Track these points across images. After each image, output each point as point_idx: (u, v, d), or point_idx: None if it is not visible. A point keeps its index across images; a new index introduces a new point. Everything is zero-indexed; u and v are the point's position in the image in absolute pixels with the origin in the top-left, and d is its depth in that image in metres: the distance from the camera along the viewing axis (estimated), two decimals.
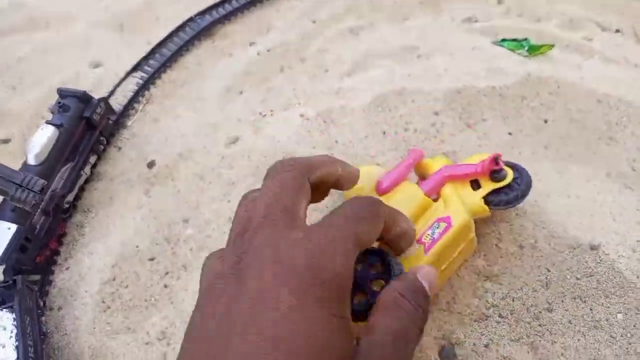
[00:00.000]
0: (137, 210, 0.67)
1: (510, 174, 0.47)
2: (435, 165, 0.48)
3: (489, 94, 0.68)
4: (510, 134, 0.66)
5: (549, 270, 0.54)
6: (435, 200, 0.45)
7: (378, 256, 0.34)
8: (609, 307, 0.52)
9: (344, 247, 0.28)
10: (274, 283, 0.25)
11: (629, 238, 0.56)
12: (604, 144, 0.67)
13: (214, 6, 0.93)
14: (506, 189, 0.45)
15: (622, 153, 0.66)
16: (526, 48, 0.76)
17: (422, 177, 0.50)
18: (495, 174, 0.45)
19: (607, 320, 0.51)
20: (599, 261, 0.53)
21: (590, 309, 0.52)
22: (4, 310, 0.53)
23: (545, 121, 0.68)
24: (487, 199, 0.44)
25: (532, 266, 0.54)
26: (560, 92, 0.69)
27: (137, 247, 0.62)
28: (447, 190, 0.41)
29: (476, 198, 0.41)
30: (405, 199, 0.42)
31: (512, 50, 0.78)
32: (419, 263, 0.38)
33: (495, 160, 0.45)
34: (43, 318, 0.59)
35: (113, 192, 0.71)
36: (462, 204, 0.40)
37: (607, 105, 0.69)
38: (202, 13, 0.92)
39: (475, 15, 0.90)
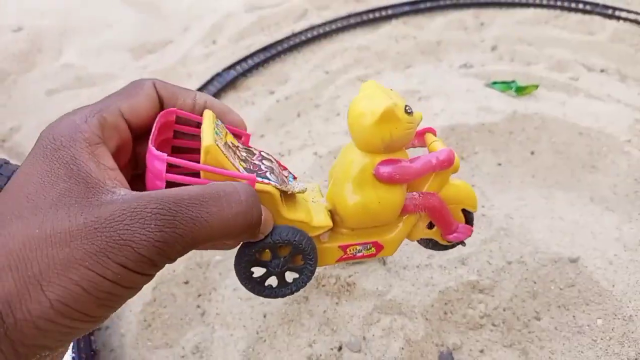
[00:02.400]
0: None
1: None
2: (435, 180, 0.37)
3: (479, 130, 0.77)
4: (499, 164, 0.74)
5: (535, 283, 0.61)
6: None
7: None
8: (589, 314, 0.58)
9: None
10: None
11: (606, 252, 0.63)
12: (587, 172, 0.75)
13: (238, 62, 1.06)
14: (438, 245, 0.39)
15: (604, 179, 0.74)
16: (514, 89, 0.86)
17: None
18: (449, 243, 0.39)
19: (588, 325, 0.58)
20: (578, 273, 0.60)
21: (574, 316, 0.59)
22: None
23: (532, 153, 0.76)
24: (421, 239, 0.39)
25: (520, 279, 0.61)
26: (545, 127, 0.78)
27: (173, 271, 0.72)
28: (412, 219, 0.35)
29: (418, 236, 0.37)
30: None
31: (502, 91, 0.87)
32: (327, 263, 0.35)
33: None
34: (92, 337, 0.68)
35: None
36: (403, 238, 0.36)
37: (588, 137, 0.77)
38: (227, 68, 1.04)
39: (470, 62, 1.01)
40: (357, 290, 0.64)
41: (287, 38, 1.11)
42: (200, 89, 1.01)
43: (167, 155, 0.27)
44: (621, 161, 0.74)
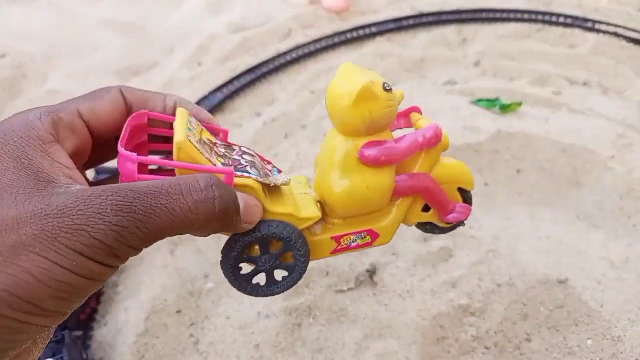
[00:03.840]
0: (164, 268, 0.77)
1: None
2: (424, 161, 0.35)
3: (465, 151, 0.78)
4: (486, 184, 0.75)
5: (525, 305, 0.62)
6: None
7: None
8: (579, 335, 0.59)
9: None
10: None
11: (594, 272, 0.64)
12: (572, 189, 0.76)
13: (224, 85, 1.06)
14: (438, 228, 0.37)
15: (589, 196, 0.75)
16: (498, 107, 0.87)
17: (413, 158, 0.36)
18: (448, 225, 0.37)
19: (578, 346, 0.58)
20: (567, 294, 0.61)
21: (564, 338, 0.59)
22: None
23: (518, 171, 0.77)
24: (420, 224, 0.37)
25: (510, 301, 0.62)
26: (529, 145, 0.79)
27: (165, 301, 0.71)
28: (406, 202, 0.34)
29: (415, 220, 0.35)
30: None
31: (487, 108, 0.89)
32: (321, 255, 0.34)
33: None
34: None
35: (143, 253, 0.81)
36: (398, 225, 0.35)
37: (572, 154, 0.78)
38: (214, 91, 1.05)
39: (454, 78, 1.02)
40: (349, 316, 0.64)
41: (273, 59, 1.12)
42: None
43: (138, 155, 0.26)
44: (605, 177, 0.75)
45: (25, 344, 0.22)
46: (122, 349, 0.67)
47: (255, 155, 0.33)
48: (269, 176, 0.31)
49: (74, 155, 0.27)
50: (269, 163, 0.34)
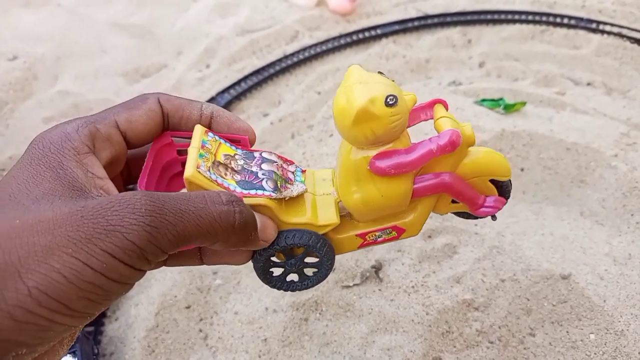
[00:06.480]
0: None
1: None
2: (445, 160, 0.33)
3: None
4: None
5: (528, 300, 0.62)
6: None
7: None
8: (582, 329, 0.60)
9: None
10: None
11: (597, 267, 0.64)
12: (576, 187, 0.77)
13: (232, 86, 1.08)
14: (472, 215, 0.36)
15: (593, 194, 0.76)
16: (502, 106, 0.88)
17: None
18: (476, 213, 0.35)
19: (582, 340, 0.59)
20: (570, 289, 0.62)
21: (567, 332, 0.60)
22: (69, 355, 0.63)
23: (522, 169, 0.78)
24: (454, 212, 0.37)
25: (514, 296, 0.63)
26: (533, 144, 0.80)
27: (175, 296, 0.73)
28: (430, 200, 0.33)
29: (446, 211, 0.35)
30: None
31: (491, 108, 0.89)
32: (349, 249, 0.35)
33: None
34: None
35: None
36: (425, 220, 0.34)
37: (575, 152, 0.79)
38: (221, 92, 1.06)
39: (459, 79, 1.03)
40: (355, 311, 0.65)
41: (279, 60, 1.13)
42: None
43: (155, 186, 0.28)
44: (609, 175, 0.76)
45: (53, 341, 0.23)
46: (132, 343, 0.69)
47: (276, 160, 0.33)
48: (285, 187, 0.32)
49: (110, 164, 0.28)
50: (292, 163, 0.35)
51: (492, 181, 0.34)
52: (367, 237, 0.34)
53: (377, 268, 0.69)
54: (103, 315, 0.74)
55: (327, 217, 0.33)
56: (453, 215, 0.37)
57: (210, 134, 0.31)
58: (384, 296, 0.66)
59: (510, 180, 0.35)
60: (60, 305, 0.21)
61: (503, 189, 0.34)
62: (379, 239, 0.34)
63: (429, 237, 0.71)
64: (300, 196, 0.32)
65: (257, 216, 0.29)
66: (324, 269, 0.34)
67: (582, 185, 0.77)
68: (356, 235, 0.34)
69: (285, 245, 0.32)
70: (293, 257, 0.33)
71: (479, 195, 0.34)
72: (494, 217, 0.36)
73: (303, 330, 0.65)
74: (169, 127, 0.31)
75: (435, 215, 0.34)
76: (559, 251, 0.66)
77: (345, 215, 0.34)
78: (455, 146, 0.30)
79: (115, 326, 0.72)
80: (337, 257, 0.35)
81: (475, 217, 0.36)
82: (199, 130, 0.31)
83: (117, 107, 0.29)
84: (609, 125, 0.85)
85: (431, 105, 0.35)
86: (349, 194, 0.32)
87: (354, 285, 0.67)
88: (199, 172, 0.28)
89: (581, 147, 0.79)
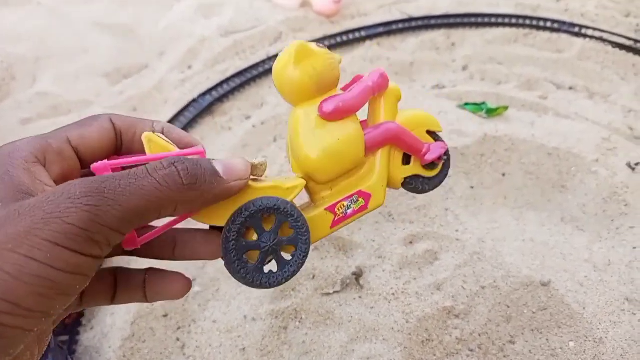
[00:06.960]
0: None
1: (438, 168, 0.39)
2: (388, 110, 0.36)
3: (452, 154, 0.79)
4: (472, 187, 0.76)
5: (508, 307, 0.62)
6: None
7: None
8: (562, 337, 0.60)
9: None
10: None
11: (576, 274, 0.64)
12: (557, 192, 0.77)
13: (214, 87, 1.06)
14: (426, 179, 0.38)
15: (574, 199, 0.76)
16: (484, 111, 0.88)
17: (373, 114, 0.37)
18: (429, 165, 0.37)
19: (561, 348, 0.59)
20: (550, 296, 0.62)
21: (547, 340, 0.60)
22: None
23: (503, 174, 0.78)
24: (405, 180, 0.37)
25: (494, 304, 0.62)
26: (515, 149, 0.80)
27: (152, 305, 0.71)
28: (384, 154, 0.35)
29: (399, 176, 0.36)
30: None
31: (474, 112, 0.89)
32: (323, 233, 0.35)
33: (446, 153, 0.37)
34: None
35: (130, 258, 0.80)
36: (386, 180, 0.36)
37: (557, 157, 0.79)
38: (203, 94, 1.05)
39: (442, 82, 1.03)
40: (335, 319, 0.64)
41: (263, 62, 1.12)
42: (177, 116, 1.02)
43: (108, 160, 0.28)
44: (590, 181, 0.76)
45: (14, 349, 0.21)
46: (108, 353, 0.67)
47: None
48: None
49: (62, 179, 0.28)
50: None
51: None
52: (336, 210, 0.35)
53: (358, 275, 0.68)
54: (78, 324, 0.72)
55: (292, 181, 0.33)
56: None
57: (162, 136, 0.31)
58: (364, 304, 0.65)
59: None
60: (10, 305, 0.20)
61: (438, 139, 0.37)
62: (348, 211, 0.35)
63: (410, 242, 0.70)
64: (264, 173, 0.33)
65: (218, 161, 0.28)
66: (301, 242, 0.33)
67: (563, 190, 0.77)
68: (325, 209, 0.34)
69: (254, 210, 0.31)
70: (265, 232, 0.32)
71: (422, 143, 0.36)
72: (446, 171, 0.37)
73: (282, 339, 0.64)
74: (122, 145, 0.31)
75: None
76: (539, 257, 0.66)
77: (310, 197, 0.35)
78: (386, 79, 0.34)
79: (90, 335, 0.71)
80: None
81: (425, 191, 0.38)
82: (148, 136, 0.30)
83: (69, 125, 0.30)
84: (591, 130, 0.85)
85: (355, 81, 0.36)
86: (308, 150, 0.33)
87: (334, 292, 0.66)
88: (159, 136, 0.29)
89: (562, 152, 0.79)
